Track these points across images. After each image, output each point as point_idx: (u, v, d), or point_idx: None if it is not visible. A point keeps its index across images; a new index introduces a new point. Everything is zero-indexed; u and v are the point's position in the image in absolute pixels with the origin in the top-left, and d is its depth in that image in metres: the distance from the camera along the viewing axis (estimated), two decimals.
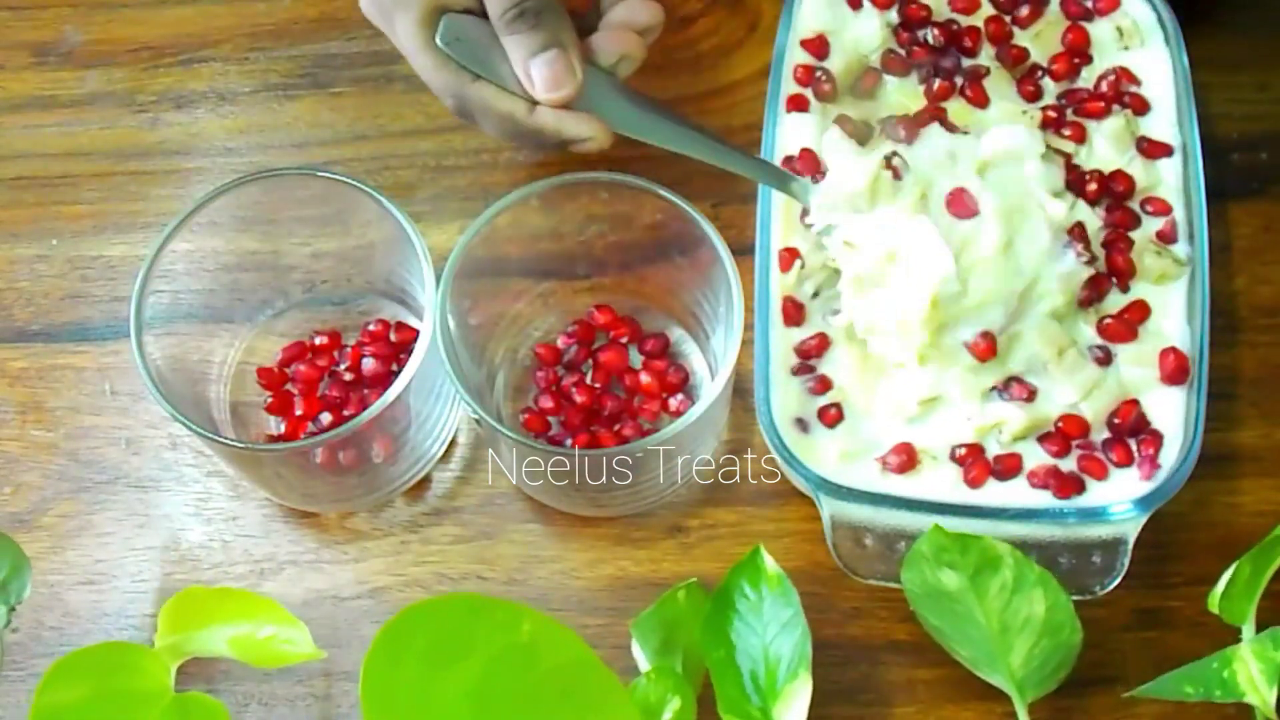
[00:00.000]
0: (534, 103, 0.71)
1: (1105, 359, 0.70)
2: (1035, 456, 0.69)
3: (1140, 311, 0.71)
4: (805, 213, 0.72)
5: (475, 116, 0.74)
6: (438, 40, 0.71)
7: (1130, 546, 0.66)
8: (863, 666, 0.71)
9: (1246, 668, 0.61)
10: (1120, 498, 0.67)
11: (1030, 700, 0.65)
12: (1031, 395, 0.69)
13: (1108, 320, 0.71)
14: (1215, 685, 0.61)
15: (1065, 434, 0.69)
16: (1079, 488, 0.68)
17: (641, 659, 0.67)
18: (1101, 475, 0.68)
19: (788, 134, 0.74)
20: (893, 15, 0.78)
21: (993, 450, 0.69)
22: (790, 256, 0.72)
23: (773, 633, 0.66)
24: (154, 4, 0.89)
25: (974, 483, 0.68)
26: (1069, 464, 0.68)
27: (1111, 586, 0.67)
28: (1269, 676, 0.60)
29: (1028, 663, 0.64)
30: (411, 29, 0.72)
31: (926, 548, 0.63)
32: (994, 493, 0.68)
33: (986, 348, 0.69)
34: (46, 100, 0.87)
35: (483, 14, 0.71)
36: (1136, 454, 0.68)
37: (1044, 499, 0.67)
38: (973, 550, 0.63)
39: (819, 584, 0.71)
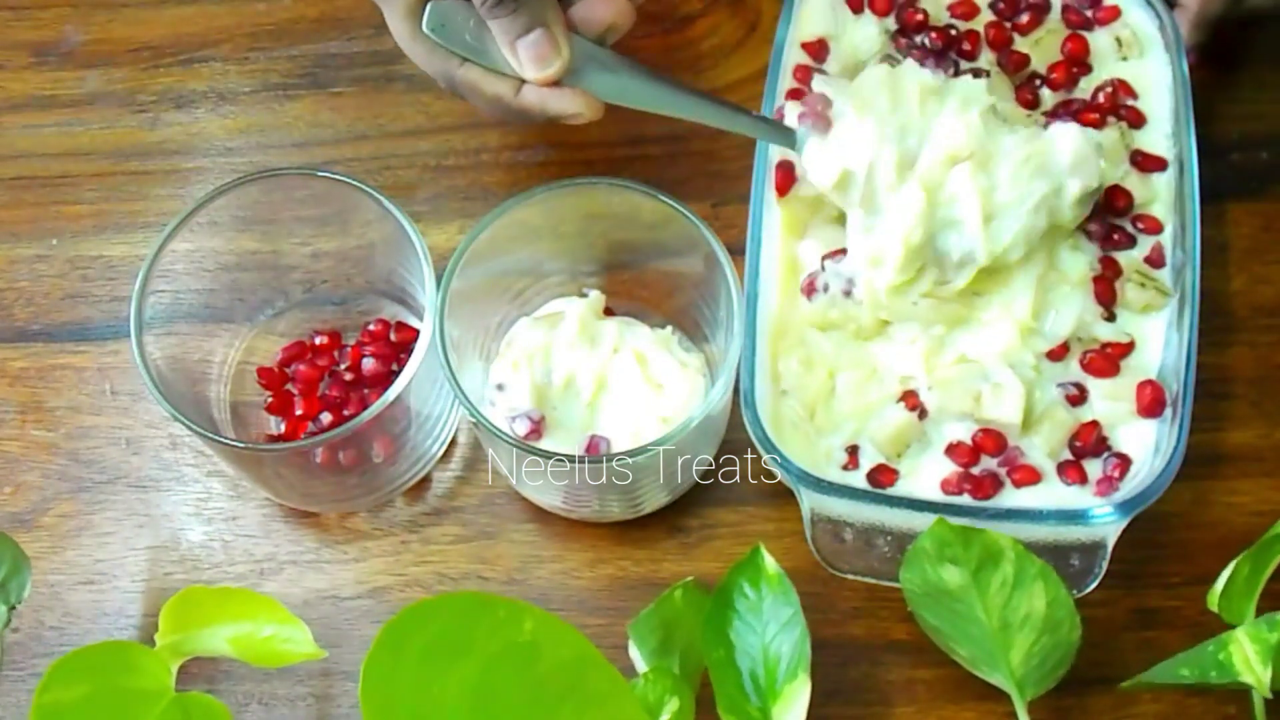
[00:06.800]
0: (522, 82, 0.72)
1: (1079, 398, 0.70)
2: (943, 467, 0.69)
3: (1125, 347, 0.71)
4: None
5: (464, 96, 0.74)
6: (424, 28, 0.71)
7: (1110, 550, 0.66)
8: (863, 666, 0.71)
9: (1242, 650, 0.61)
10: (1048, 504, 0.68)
11: (1030, 699, 0.65)
12: (922, 413, 0.70)
13: (1091, 355, 0.71)
14: (1211, 667, 0.61)
15: (977, 448, 0.69)
16: (996, 488, 0.68)
17: (639, 660, 0.67)
18: (1031, 480, 0.69)
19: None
20: (891, 21, 0.78)
21: (872, 457, 0.70)
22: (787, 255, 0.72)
23: (772, 632, 0.66)
24: (154, 4, 0.89)
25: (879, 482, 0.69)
26: (983, 469, 0.69)
27: (1090, 589, 0.67)
28: (1264, 656, 0.60)
29: (1027, 660, 0.65)
30: (398, 19, 0.72)
31: (929, 543, 0.63)
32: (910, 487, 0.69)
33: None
34: (46, 100, 0.87)
35: None
36: (1103, 470, 0.69)
37: (966, 501, 0.68)
38: (975, 544, 0.63)
39: (819, 584, 0.71)
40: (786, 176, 0.73)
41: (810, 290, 0.72)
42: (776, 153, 0.74)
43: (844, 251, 0.72)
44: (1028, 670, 0.65)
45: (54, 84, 0.87)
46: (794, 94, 0.75)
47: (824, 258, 0.72)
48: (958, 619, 0.65)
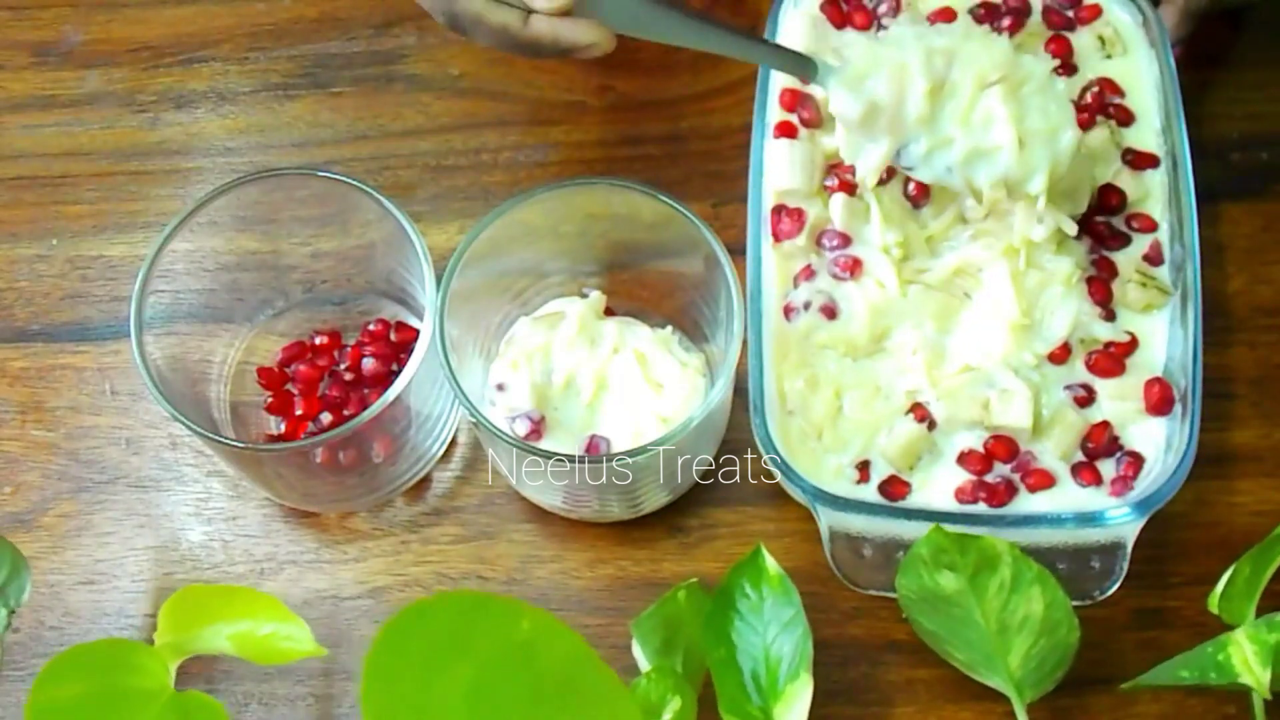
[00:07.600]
0: (529, 11, 0.68)
1: (1087, 399, 0.70)
2: (955, 476, 0.70)
3: (1128, 345, 0.71)
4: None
5: (467, 31, 0.71)
6: None
7: (1129, 550, 0.66)
8: (863, 666, 0.71)
9: (1241, 650, 0.61)
10: (1067, 505, 0.68)
11: (1029, 700, 0.65)
12: (931, 424, 0.70)
13: (1095, 355, 0.71)
14: (1210, 669, 0.61)
15: (989, 455, 0.69)
16: (1010, 494, 0.69)
17: (642, 659, 0.67)
18: (1046, 484, 0.69)
19: (774, 160, 0.74)
20: (873, 35, 0.78)
21: (883, 471, 0.70)
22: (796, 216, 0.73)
23: (774, 632, 0.66)
24: (154, 4, 0.89)
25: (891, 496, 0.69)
26: (997, 476, 0.69)
27: (1111, 591, 0.67)
28: (1263, 658, 0.60)
29: (1026, 663, 0.65)
30: None
31: (925, 550, 0.63)
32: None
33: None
34: (46, 100, 0.87)
35: None
36: (1116, 470, 0.69)
37: (983, 509, 0.68)
38: (972, 550, 0.63)
39: (819, 584, 0.71)
40: (778, 221, 0.73)
41: (789, 312, 0.72)
42: (771, 190, 0.74)
43: (810, 270, 0.72)
44: (1026, 673, 0.65)
45: (54, 84, 0.87)
46: (782, 128, 0.75)
47: (795, 277, 0.72)
48: (955, 624, 0.65)
